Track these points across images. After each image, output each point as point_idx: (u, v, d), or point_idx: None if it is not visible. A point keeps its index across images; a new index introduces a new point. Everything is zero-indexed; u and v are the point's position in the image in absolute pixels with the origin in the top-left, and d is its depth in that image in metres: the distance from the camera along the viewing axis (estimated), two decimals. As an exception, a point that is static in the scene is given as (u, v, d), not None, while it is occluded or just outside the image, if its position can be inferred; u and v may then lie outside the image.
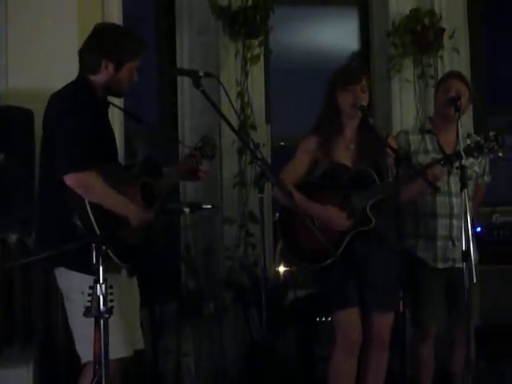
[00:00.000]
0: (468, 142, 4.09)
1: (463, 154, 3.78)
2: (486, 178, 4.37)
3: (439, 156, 4.02)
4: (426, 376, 4.24)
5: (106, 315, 2.75)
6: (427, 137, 4.27)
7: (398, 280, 3.97)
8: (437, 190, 3.76)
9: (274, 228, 5.39)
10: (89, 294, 2.76)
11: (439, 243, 4.16)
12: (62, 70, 3.76)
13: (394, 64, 5.64)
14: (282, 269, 5.07)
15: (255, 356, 4.95)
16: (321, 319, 4.89)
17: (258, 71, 5.52)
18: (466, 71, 5.38)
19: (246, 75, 5.44)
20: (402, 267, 4.10)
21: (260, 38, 5.41)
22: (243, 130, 5.27)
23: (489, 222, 5.02)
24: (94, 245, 2.75)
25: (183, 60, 5.57)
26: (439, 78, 5.18)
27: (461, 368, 4.01)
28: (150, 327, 4.86)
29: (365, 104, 3.90)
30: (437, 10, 5.66)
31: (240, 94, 5.41)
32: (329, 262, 3.78)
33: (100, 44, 3.25)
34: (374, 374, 3.98)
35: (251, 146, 3.22)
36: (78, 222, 3.01)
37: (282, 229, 4.07)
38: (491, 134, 3.84)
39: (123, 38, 3.27)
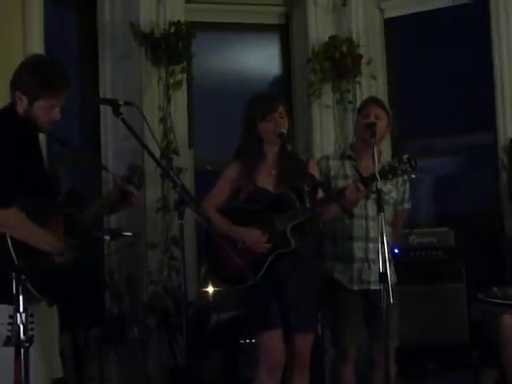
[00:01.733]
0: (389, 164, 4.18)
1: (378, 176, 3.89)
2: (406, 205, 4.45)
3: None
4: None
5: (27, 344, 2.75)
6: (347, 162, 4.35)
7: (318, 301, 4.07)
8: (350, 214, 3.84)
9: (197, 251, 5.44)
10: (9, 323, 2.75)
11: (355, 265, 4.25)
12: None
13: (314, 90, 5.78)
14: (210, 289, 5.10)
15: (179, 381, 4.96)
16: (244, 341, 4.93)
17: (180, 96, 5.59)
18: (383, 97, 5.54)
19: (169, 100, 5.49)
20: (322, 289, 4.22)
21: (182, 64, 5.48)
22: (166, 156, 5.31)
23: (406, 243, 5.15)
24: (13, 274, 2.75)
25: (106, 85, 5.59)
26: (357, 103, 5.35)
27: (381, 387, 4.12)
28: (72, 353, 4.83)
29: (284, 130, 3.98)
30: (354, 37, 5.83)
31: (163, 120, 5.46)
32: (249, 284, 3.83)
33: (14, 75, 3.24)
34: (296, 392, 4.04)
35: (171, 172, 3.24)
36: None
37: (207, 251, 4.12)
38: (405, 156, 3.93)
39: (38, 75, 3.20)
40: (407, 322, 4.48)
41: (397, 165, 3.92)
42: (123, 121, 3.15)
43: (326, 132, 5.82)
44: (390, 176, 3.94)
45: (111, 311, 5.31)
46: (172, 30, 5.41)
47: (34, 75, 3.20)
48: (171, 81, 5.48)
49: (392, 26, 6.14)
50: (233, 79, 6.01)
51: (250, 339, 4.79)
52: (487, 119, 5.80)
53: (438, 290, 5.12)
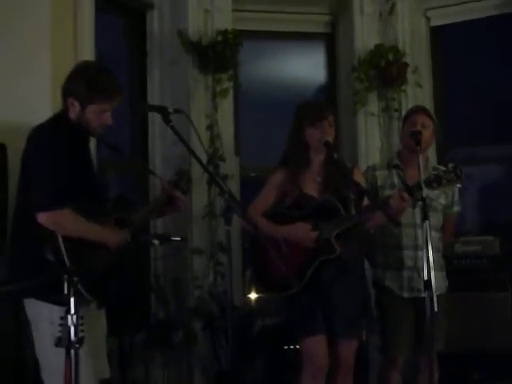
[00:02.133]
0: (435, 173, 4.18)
1: (423, 186, 3.90)
2: (455, 208, 4.46)
3: None
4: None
5: (77, 345, 2.81)
6: (394, 171, 4.36)
7: (363, 308, 4.09)
8: (396, 223, 3.85)
9: (242, 257, 5.48)
10: (60, 325, 2.81)
11: (405, 274, 4.27)
12: (36, 104, 3.83)
13: (360, 98, 5.79)
14: (253, 295, 5.14)
15: (224, 384, 5.01)
16: (288, 347, 4.96)
17: (227, 104, 5.64)
18: (428, 105, 5.54)
19: (216, 108, 5.56)
20: (367, 295, 4.23)
21: (229, 72, 5.54)
22: (212, 163, 5.37)
23: (451, 251, 5.13)
24: (65, 276, 2.81)
25: (154, 93, 5.67)
26: (403, 111, 5.35)
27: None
28: (118, 356, 4.89)
29: (330, 139, 4.00)
30: (400, 45, 5.84)
31: (209, 127, 5.52)
32: (294, 291, 3.87)
33: (66, 82, 3.31)
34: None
35: (218, 179, 3.28)
36: (50, 256, 3.06)
37: (252, 257, 4.16)
38: (450, 165, 3.93)
39: (89, 80, 3.26)
40: (451, 329, 4.46)
41: (442, 174, 3.92)
42: (172, 128, 3.20)
43: (371, 140, 5.83)
44: (435, 185, 3.93)
45: (157, 315, 5.38)
46: (219, 38, 5.48)
47: (84, 80, 3.26)
48: (218, 88, 5.54)
49: (438, 35, 6.15)
50: (279, 87, 6.05)
51: (294, 345, 4.82)
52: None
53: (483, 299, 5.08)
